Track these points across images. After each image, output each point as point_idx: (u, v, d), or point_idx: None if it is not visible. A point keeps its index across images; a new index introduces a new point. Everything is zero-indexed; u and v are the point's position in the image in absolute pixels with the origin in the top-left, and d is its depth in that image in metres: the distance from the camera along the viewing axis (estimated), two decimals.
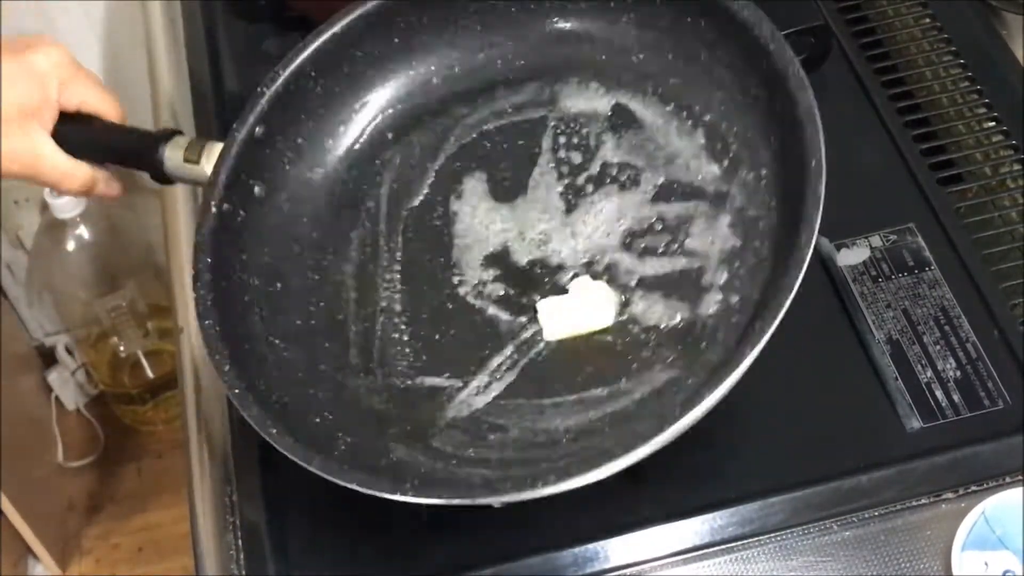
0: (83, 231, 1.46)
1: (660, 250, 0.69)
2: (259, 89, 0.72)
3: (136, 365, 1.63)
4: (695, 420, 0.58)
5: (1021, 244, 0.77)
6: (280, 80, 0.73)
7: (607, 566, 0.66)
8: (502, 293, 0.71)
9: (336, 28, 0.74)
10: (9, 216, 1.53)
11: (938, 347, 0.73)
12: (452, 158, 0.76)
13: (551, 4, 0.75)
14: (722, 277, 0.67)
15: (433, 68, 0.77)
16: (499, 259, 0.72)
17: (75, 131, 0.71)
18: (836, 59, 0.88)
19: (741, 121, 0.69)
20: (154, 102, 0.97)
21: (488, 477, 0.62)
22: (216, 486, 0.73)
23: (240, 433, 0.74)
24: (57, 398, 1.69)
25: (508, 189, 0.74)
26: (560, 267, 0.71)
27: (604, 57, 0.75)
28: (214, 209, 0.68)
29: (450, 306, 0.71)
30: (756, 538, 0.66)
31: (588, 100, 0.75)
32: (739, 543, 0.66)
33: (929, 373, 0.71)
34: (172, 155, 0.71)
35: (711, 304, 0.66)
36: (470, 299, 0.71)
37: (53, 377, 1.68)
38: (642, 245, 0.70)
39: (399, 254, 0.73)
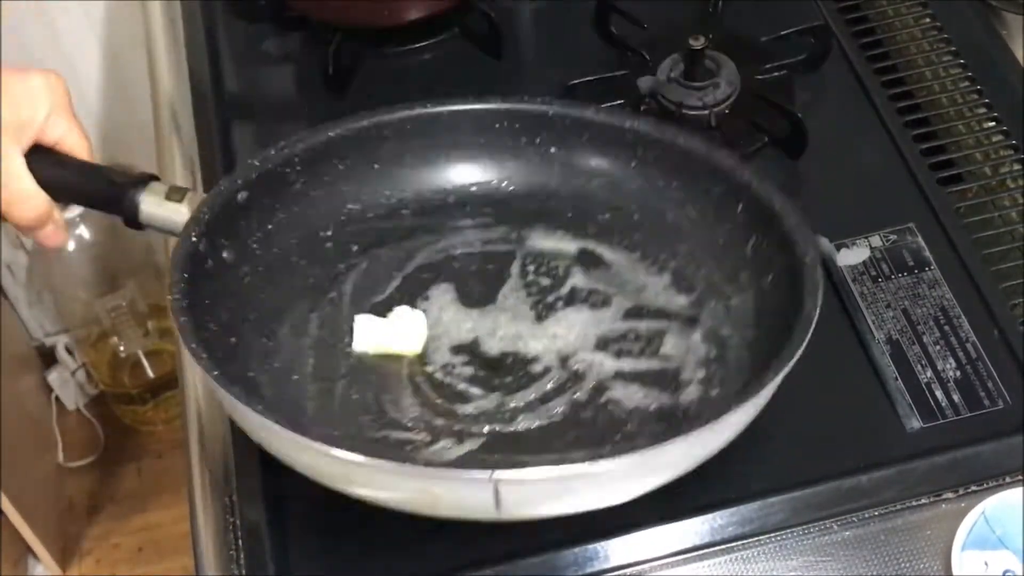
0: (83, 231, 1.46)
1: (635, 352, 0.70)
2: (250, 161, 0.73)
3: (136, 365, 1.63)
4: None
5: (1021, 244, 0.77)
6: (271, 160, 0.74)
7: (607, 566, 0.66)
8: (472, 373, 0.71)
9: (327, 133, 0.75)
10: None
11: (938, 347, 0.73)
12: (420, 270, 0.76)
13: (524, 153, 0.78)
14: (700, 373, 0.68)
15: (406, 197, 0.78)
16: (469, 348, 0.72)
17: (47, 164, 0.70)
18: (836, 59, 0.88)
19: (708, 266, 0.73)
20: (154, 102, 0.97)
21: None
22: (216, 486, 0.73)
23: (240, 433, 0.74)
24: (57, 398, 1.69)
25: (477, 299, 0.75)
26: (534, 359, 0.71)
27: (571, 214, 0.77)
28: (193, 239, 0.68)
29: (417, 380, 0.71)
30: (756, 538, 0.66)
31: (554, 244, 0.77)
32: (739, 543, 0.66)
33: (929, 373, 0.71)
34: (148, 200, 0.71)
35: (691, 394, 0.67)
36: (438, 376, 0.71)
37: (53, 377, 1.68)
38: (617, 348, 0.71)
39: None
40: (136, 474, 1.67)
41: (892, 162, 0.82)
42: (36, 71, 0.70)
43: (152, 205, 0.71)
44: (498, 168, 0.78)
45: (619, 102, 0.86)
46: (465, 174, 0.79)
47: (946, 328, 0.73)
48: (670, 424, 0.66)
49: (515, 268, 0.76)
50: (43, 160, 0.70)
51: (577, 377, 0.69)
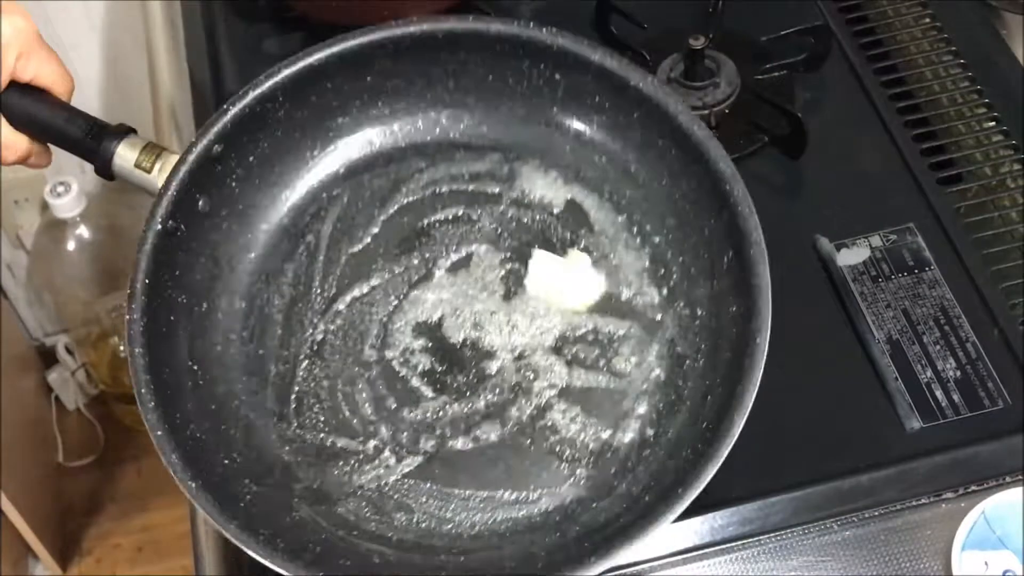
0: (83, 231, 1.46)
1: (588, 363, 0.69)
2: (224, 107, 0.71)
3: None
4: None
5: (1021, 244, 0.77)
6: (247, 100, 0.71)
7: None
8: (428, 367, 0.70)
9: (313, 59, 0.72)
10: (9, 216, 1.53)
11: (938, 347, 0.73)
12: (401, 211, 0.75)
13: (526, 80, 0.75)
14: (641, 407, 0.67)
15: (397, 116, 0.76)
16: (430, 331, 0.72)
17: (24, 104, 0.70)
18: (836, 59, 0.88)
19: (688, 254, 0.70)
20: (154, 102, 0.97)
21: (387, 557, 0.62)
22: None
23: None
24: (57, 398, 1.69)
25: (451, 264, 0.73)
26: (490, 353, 0.70)
27: (569, 148, 0.75)
28: (159, 226, 0.67)
29: (374, 368, 0.70)
30: (756, 538, 0.66)
31: (545, 186, 0.75)
32: (739, 543, 0.66)
33: (929, 373, 0.71)
34: (124, 154, 0.70)
35: (628, 432, 0.67)
36: (395, 365, 0.70)
37: (53, 377, 1.68)
38: (572, 351, 0.70)
39: (332, 298, 0.73)
40: (136, 474, 1.67)
41: (892, 162, 0.82)
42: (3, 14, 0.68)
43: (126, 162, 0.70)
44: (498, 89, 0.75)
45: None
46: (462, 93, 0.76)
47: (946, 328, 0.73)
48: (597, 470, 0.65)
49: (497, 221, 0.74)
50: (19, 101, 0.70)
51: (523, 391, 0.69)
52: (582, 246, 0.73)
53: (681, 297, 0.70)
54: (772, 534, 0.66)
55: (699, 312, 0.68)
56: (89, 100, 1.44)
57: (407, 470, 0.66)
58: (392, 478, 0.66)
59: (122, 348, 1.61)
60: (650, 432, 0.66)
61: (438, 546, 0.63)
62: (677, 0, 0.94)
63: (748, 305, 0.62)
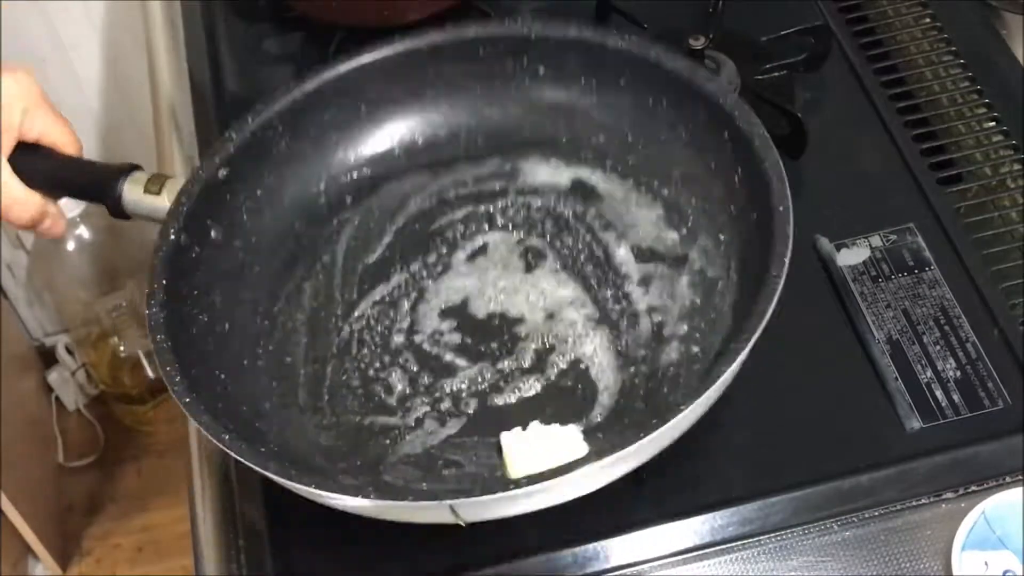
0: (83, 231, 1.46)
1: (619, 310, 0.70)
2: (228, 133, 0.73)
3: (136, 365, 1.63)
4: (672, 435, 0.58)
5: (1021, 244, 0.77)
6: (249, 128, 0.73)
7: (607, 566, 0.66)
8: (459, 341, 0.71)
9: (308, 86, 0.74)
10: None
11: (938, 347, 0.73)
12: (411, 220, 0.76)
13: (513, 79, 0.76)
14: (682, 329, 0.68)
15: (396, 139, 0.78)
16: (457, 311, 0.73)
17: (33, 161, 0.71)
18: (836, 59, 0.88)
19: (700, 194, 0.71)
20: (154, 102, 0.97)
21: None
22: (216, 486, 0.73)
23: None
24: (57, 398, 1.69)
25: (468, 254, 0.75)
26: (519, 319, 0.71)
27: (565, 138, 0.76)
28: (172, 237, 0.68)
29: (406, 353, 0.71)
30: (756, 538, 0.66)
31: (548, 174, 0.76)
32: (739, 543, 0.66)
33: (929, 373, 0.71)
34: (131, 189, 0.71)
35: (672, 352, 0.67)
36: (426, 346, 0.71)
37: (53, 377, 1.68)
38: (603, 299, 0.71)
39: (354, 303, 0.73)
40: (136, 474, 1.67)
41: (892, 162, 0.82)
42: (4, 72, 0.69)
43: (134, 195, 0.71)
44: (488, 97, 0.77)
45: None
46: (454, 107, 0.77)
47: (946, 328, 0.73)
48: (647, 389, 0.66)
49: (507, 211, 0.76)
50: (28, 159, 0.71)
51: (559, 341, 0.70)
52: (592, 212, 0.74)
53: (701, 231, 0.71)
54: (772, 534, 0.66)
55: (722, 237, 0.69)
56: (89, 100, 1.44)
57: (452, 431, 0.67)
58: (437, 440, 0.67)
59: (122, 348, 1.61)
60: (696, 349, 0.67)
61: (495, 487, 0.62)
62: (677, 0, 0.94)
63: (764, 191, 0.64)
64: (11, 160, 0.70)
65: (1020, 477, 0.67)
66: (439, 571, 0.67)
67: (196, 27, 0.98)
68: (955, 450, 0.68)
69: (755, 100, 0.85)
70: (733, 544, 0.66)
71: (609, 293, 0.71)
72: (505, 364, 0.70)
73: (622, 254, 0.72)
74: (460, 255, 0.75)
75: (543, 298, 0.72)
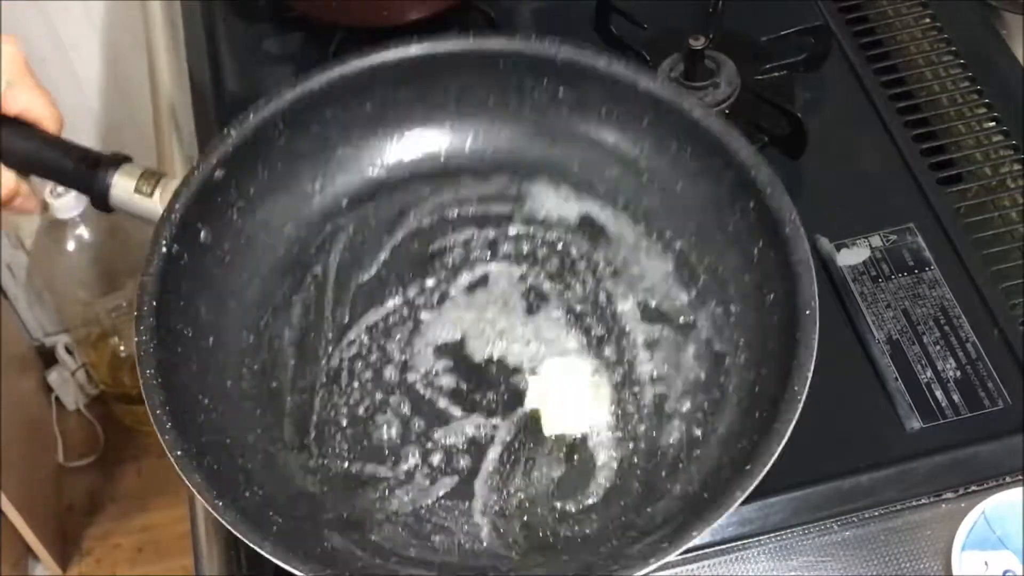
0: (83, 231, 1.46)
1: (624, 371, 0.67)
2: (226, 131, 0.69)
3: (136, 365, 1.63)
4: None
5: (1021, 244, 0.77)
6: (249, 125, 0.69)
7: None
8: (454, 386, 0.68)
9: (314, 84, 0.71)
10: (9, 216, 1.53)
11: (938, 347, 0.72)
12: (409, 237, 0.73)
13: (530, 98, 0.73)
14: (685, 406, 0.65)
15: (399, 144, 0.74)
16: (453, 350, 0.69)
17: (12, 138, 0.67)
18: (836, 59, 0.88)
19: (713, 254, 0.68)
20: (154, 102, 0.97)
21: None
22: None
23: None
24: (57, 398, 1.69)
25: (467, 286, 0.71)
26: (517, 369, 0.68)
27: (577, 167, 0.73)
28: (164, 250, 0.64)
29: (397, 392, 0.68)
30: (756, 538, 0.66)
31: (556, 204, 0.73)
32: (739, 543, 0.66)
33: (929, 373, 0.71)
34: (121, 183, 0.68)
35: (673, 433, 0.65)
36: (419, 387, 0.68)
37: (53, 377, 1.68)
38: (606, 356, 0.68)
39: (345, 327, 0.70)
40: (136, 474, 1.67)
41: (892, 162, 0.82)
42: None
43: (124, 191, 0.68)
44: (501, 111, 0.73)
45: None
46: (465, 117, 0.74)
47: (946, 328, 0.73)
48: (646, 473, 0.63)
49: (511, 240, 0.72)
50: (7, 133, 0.67)
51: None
52: (600, 256, 0.70)
53: (712, 297, 0.68)
54: (772, 534, 0.66)
55: (733, 309, 0.66)
56: (89, 100, 1.44)
57: (443, 491, 0.64)
58: (428, 501, 0.64)
59: (122, 348, 1.61)
60: (698, 432, 0.64)
61: (486, 566, 0.60)
62: (677, 0, 0.94)
63: (791, 284, 0.61)
64: None
65: (1020, 477, 0.67)
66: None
67: (196, 27, 0.98)
68: (955, 450, 0.68)
69: (755, 100, 0.85)
70: (733, 544, 0.66)
71: (613, 355, 0.68)
72: (500, 422, 0.67)
73: (628, 309, 0.69)
74: (459, 284, 0.71)
75: (543, 349, 0.68)
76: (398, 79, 0.72)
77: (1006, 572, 0.64)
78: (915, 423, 0.70)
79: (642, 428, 0.65)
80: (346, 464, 0.65)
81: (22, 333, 1.67)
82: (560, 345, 0.69)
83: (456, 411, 0.67)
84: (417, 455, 0.66)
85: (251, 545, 0.55)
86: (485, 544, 0.62)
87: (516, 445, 0.66)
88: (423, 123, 0.74)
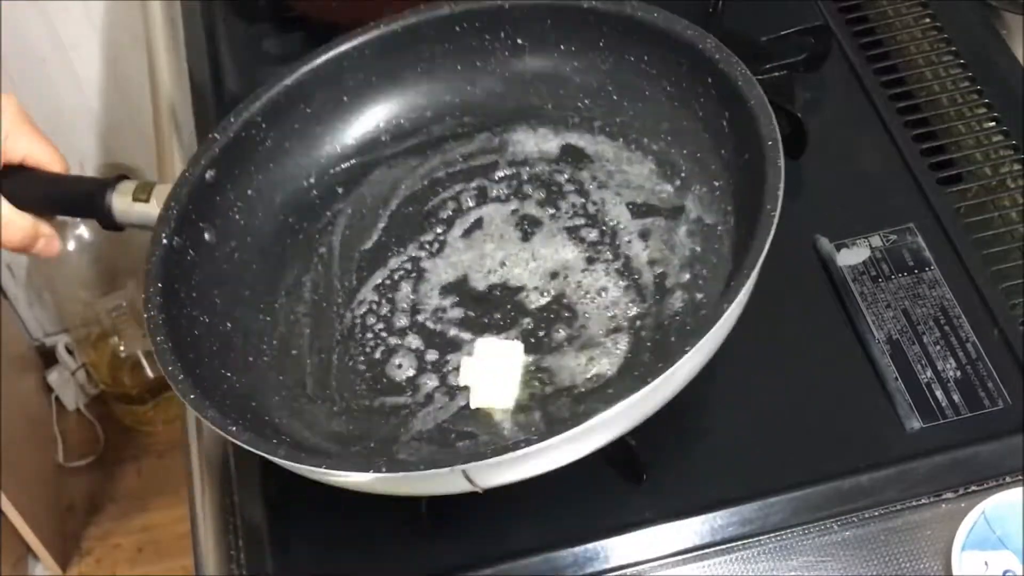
0: (83, 231, 1.46)
1: (621, 263, 0.70)
2: (211, 135, 0.73)
3: (136, 365, 1.63)
4: (677, 383, 0.58)
5: (1021, 244, 0.77)
6: (232, 128, 0.73)
7: (607, 566, 0.66)
8: (462, 316, 0.71)
9: (287, 81, 0.75)
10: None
11: (938, 347, 0.73)
12: (404, 203, 0.76)
13: (493, 54, 0.76)
14: (684, 277, 0.68)
15: (382, 125, 0.78)
16: (457, 287, 0.72)
17: (18, 182, 0.71)
18: (836, 59, 0.88)
19: (690, 143, 0.71)
20: (154, 102, 0.97)
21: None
22: (216, 486, 0.73)
23: None
24: (57, 398, 1.69)
25: (463, 231, 0.75)
26: (520, 287, 0.71)
27: (550, 106, 0.76)
28: (164, 241, 0.68)
29: (410, 333, 0.71)
30: (756, 538, 0.66)
31: (537, 143, 0.76)
32: (739, 543, 0.66)
33: (929, 373, 0.71)
34: (119, 200, 0.71)
35: (676, 302, 0.68)
36: (430, 324, 0.71)
37: (53, 377, 1.68)
38: (603, 255, 0.71)
39: (354, 290, 0.73)
40: (136, 474, 1.67)
41: (892, 162, 0.82)
42: None
43: (123, 204, 0.71)
44: (469, 74, 0.77)
45: None
46: (437, 86, 0.77)
47: (946, 328, 0.73)
48: (659, 336, 0.66)
49: (499, 183, 0.76)
50: (14, 181, 0.70)
51: (564, 305, 0.70)
52: (585, 173, 0.74)
53: (695, 180, 0.71)
54: (772, 534, 0.66)
55: (716, 184, 0.69)
56: (89, 100, 1.44)
57: (463, 403, 0.67)
58: (448, 414, 0.67)
59: (122, 348, 1.61)
60: (700, 295, 0.67)
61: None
62: (677, 0, 0.94)
63: (752, 125, 0.64)
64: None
65: (1020, 477, 0.67)
66: (438, 571, 0.67)
67: (196, 27, 0.98)
68: (955, 450, 0.68)
69: None
70: (733, 544, 0.66)
71: (609, 252, 0.71)
72: (513, 331, 0.70)
73: (618, 212, 0.73)
74: (455, 232, 0.75)
75: (543, 264, 0.72)
76: (366, 64, 0.76)
77: (1006, 572, 0.64)
78: (915, 423, 0.70)
79: (646, 306, 0.68)
80: (367, 402, 0.68)
81: (22, 333, 1.67)
82: (559, 257, 0.72)
83: (467, 335, 0.70)
84: (436, 379, 0.69)
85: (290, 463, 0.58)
86: (508, 437, 0.65)
87: (528, 345, 0.69)
88: (400, 101, 0.78)
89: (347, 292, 0.73)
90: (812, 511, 0.67)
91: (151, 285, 0.66)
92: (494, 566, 0.66)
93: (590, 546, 0.66)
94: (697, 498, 0.67)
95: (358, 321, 0.72)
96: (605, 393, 0.65)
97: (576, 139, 0.76)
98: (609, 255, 0.71)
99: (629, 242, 0.71)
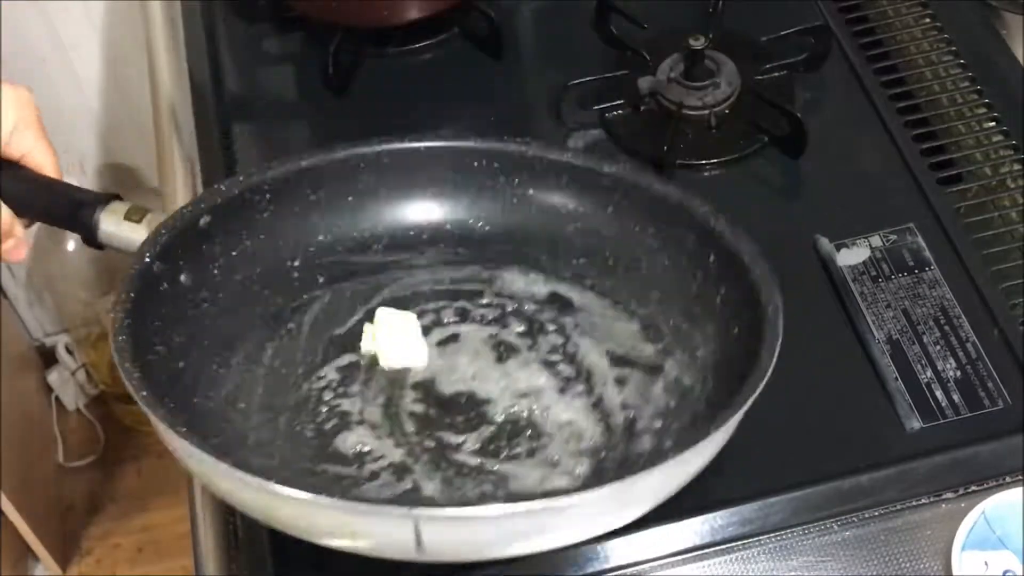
0: None
1: (591, 402, 0.69)
2: (216, 185, 0.72)
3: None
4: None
5: (1021, 244, 0.77)
6: (238, 186, 0.72)
7: (607, 566, 0.66)
8: (423, 411, 0.69)
9: (303, 163, 0.74)
10: None
11: (938, 347, 0.73)
12: (384, 303, 0.75)
13: (502, 199, 0.76)
14: (656, 424, 0.67)
15: (378, 233, 0.77)
16: (423, 385, 0.71)
17: (11, 179, 0.70)
18: (836, 59, 0.88)
19: (677, 314, 0.71)
20: (154, 102, 0.97)
21: None
22: None
23: None
24: (57, 398, 1.69)
25: (439, 338, 0.73)
26: (488, 400, 0.70)
27: (545, 257, 0.76)
28: (147, 259, 0.68)
29: (366, 413, 0.69)
30: (756, 538, 0.66)
31: (527, 285, 0.76)
32: (739, 543, 0.66)
33: (929, 373, 0.71)
34: (109, 218, 0.70)
35: (645, 444, 0.66)
36: (389, 410, 0.69)
37: (53, 377, 1.68)
38: (573, 393, 0.70)
39: (317, 366, 0.72)
40: (136, 474, 1.67)
41: (892, 162, 0.82)
42: (4, 84, 0.69)
43: (111, 224, 0.71)
44: (475, 207, 0.77)
45: (619, 102, 0.86)
46: (440, 211, 0.77)
47: (946, 328, 0.73)
48: (619, 470, 0.64)
49: (481, 308, 0.75)
50: (6, 175, 0.70)
51: (528, 423, 0.68)
52: (568, 320, 0.74)
53: (677, 347, 0.70)
54: (772, 534, 0.66)
55: (699, 353, 0.69)
56: (89, 100, 1.44)
57: (408, 486, 0.65)
58: (394, 493, 0.65)
59: None
60: (669, 441, 0.65)
61: None
62: (677, 0, 0.94)
63: (753, 295, 0.64)
64: None
65: (1020, 477, 0.67)
66: (439, 573, 0.67)
67: (196, 27, 0.98)
68: (955, 450, 0.68)
69: (755, 100, 0.85)
70: (733, 544, 0.66)
71: (581, 387, 0.70)
72: (468, 437, 0.68)
73: (596, 358, 0.72)
74: (431, 338, 0.73)
75: (513, 384, 0.70)
76: (380, 171, 0.76)
77: (1006, 572, 0.64)
78: (915, 423, 0.70)
79: (613, 441, 0.67)
80: (311, 465, 0.66)
81: (22, 333, 1.67)
82: (531, 382, 0.70)
83: (426, 431, 0.68)
84: (384, 461, 0.66)
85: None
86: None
87: (486, 450, 0.67)
88: (401, 217, 0.77)
89: (309, 366, 0.72)
90: (812, 511, 0.67)
91: (124, 292, 0.66)
92: (494, 566, 0.66)
93: (590, 546, 0.66)
94: (697, 498, 0.67)
95: (314, 394, 0.70)
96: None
97: (565, 290, 0.75)
98: (582, 389, 0.70)
99: (604, 384, 0.70)
